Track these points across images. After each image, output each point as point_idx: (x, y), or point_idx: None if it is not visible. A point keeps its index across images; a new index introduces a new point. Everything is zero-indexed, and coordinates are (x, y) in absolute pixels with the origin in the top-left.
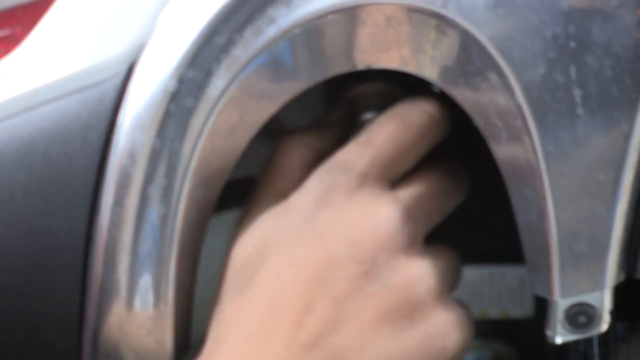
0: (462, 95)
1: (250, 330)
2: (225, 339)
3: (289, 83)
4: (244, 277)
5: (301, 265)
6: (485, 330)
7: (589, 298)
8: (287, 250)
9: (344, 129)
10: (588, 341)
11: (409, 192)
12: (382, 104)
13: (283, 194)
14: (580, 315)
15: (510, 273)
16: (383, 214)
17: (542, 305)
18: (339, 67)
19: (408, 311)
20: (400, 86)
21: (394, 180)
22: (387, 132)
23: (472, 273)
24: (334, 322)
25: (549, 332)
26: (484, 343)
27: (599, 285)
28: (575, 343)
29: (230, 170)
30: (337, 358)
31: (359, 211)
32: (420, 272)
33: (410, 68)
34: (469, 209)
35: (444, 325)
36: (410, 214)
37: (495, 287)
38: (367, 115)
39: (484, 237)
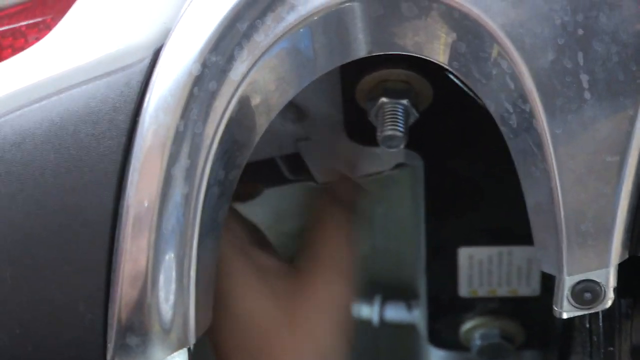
0: (474, 80)
1: None
2: None
3: (308, 68)
4: None
5: None
6: (493, 308)
7: (594, 275)
8: None
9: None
10: (593, 317)
11: None
12: (402, 89)
13: None
14: (586, 292)
15: (518, 253)
16: None
17: (549, 284)
18: (356, 53)
19: None
20: (418, 71)
21: None
22: None
23: (482, 253)
24: None
25: (556, 308)
26: (492, 320)
27: (604, 263)
28: (580, 319)
29: (251, 151)
30: None
31: None
32: None
33: (425, 53)
34: (480, 193)
35: None
36: None
37: (504, 266)
38: (385, 100)
39: (493, 218)
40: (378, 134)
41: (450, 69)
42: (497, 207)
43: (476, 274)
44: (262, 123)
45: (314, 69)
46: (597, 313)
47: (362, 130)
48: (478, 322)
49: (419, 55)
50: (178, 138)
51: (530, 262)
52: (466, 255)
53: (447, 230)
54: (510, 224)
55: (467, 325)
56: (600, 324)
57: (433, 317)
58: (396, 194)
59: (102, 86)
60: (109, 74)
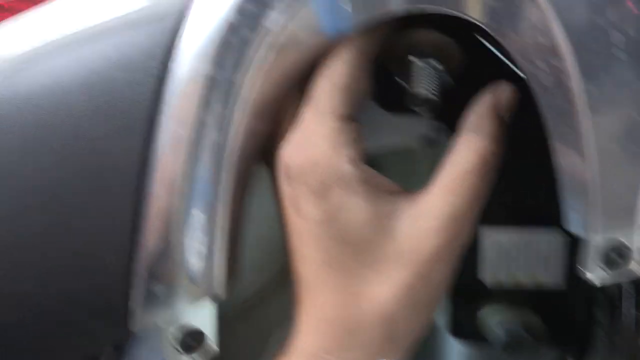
0: (505, 37)
1: None
2: None
3: (345, 22)
4: None
5: None
6: (515, 298)
7: (621, 235)
8: None
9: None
10: (616, 311)
11: None
12: (432, 52)
13: None
14: (613, 252)
15: (542, 239)
16: None
17: (572, 276)
18: (394, 7)
19: None
20: (450, 36)
21: None
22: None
23: (503, 236)
24: None
25: (583, 271)
26: (514, 312)
27: (631, 222)
28: (603, 313)
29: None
30: None
31: None
32: None
33: (461, 10)
34: (504, 169)
35: None
36: None
37: (526, 251)
38: (414, 59)
39: (519, 196)
40: (407, 93)
41: (482, 25)
42: (524, 185)
43: (499, 258)
44: (294, 75)
45: (351, 24)
46: (619, 308)
47: (390, 95)
48: (499, 310)
49: (452, 13)
50: (211, 85)
51: (554, 250)
52: (489, 238)
53: None
54: (536, 203)
55: (487, 314)
56: (623, 317)
57: (452, 303)
58: (418, 171)
59: (137, 34)
60: (144, 23)
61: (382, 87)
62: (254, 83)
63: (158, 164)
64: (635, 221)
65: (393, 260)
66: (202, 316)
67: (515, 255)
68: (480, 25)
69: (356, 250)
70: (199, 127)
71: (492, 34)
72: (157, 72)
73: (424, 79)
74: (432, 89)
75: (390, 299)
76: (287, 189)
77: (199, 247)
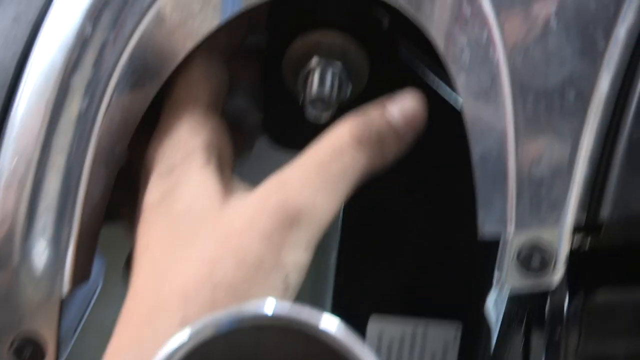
0: (425, 15)
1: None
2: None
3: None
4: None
5: None
6: None
7: (546, 234)
8: None
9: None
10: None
11: None
12: (336, 54)
13: None
14: (535, 255)
15: (434, 333)
16: None
17: None
18: None
19: None
20: (355, 40)
21: None
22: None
23: (393, 325)
24: None
25: (499, 277)
26: None
27: (557, 219)
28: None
29: (160, 85)
30: None
31: None
32: None
33: None
34: (404, 236)
35: None
36: None
37: (420, 342)
38: (316, 59)
39: (413, 280)
40: (304, 98)
41: (398, 5)
42: (420, 265)
43: (388, 350)
44: (178, 51)
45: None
46: (535, 322)
47: (285, 126)
48: None
49: None
50: (83, 43)
51: (447, 347)
52: (376, 330)
53: (358, 290)
54: (432, 292)
55: None
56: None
57: None
58: None
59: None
60: None
61: (279, 119)
62: (132, 49)
63: (12, 131)
64: (564, 218)
65: (207, 234)
66: (45, 321)
67: (406, 347)
68: (395, 3)
69: (181, 226)
70: (65, 90)
71: (409, 14)
72: (21, 34)
73: (325, 81)
74: (332, 93)
75: (191, 276)
76: (142, 185)
77: (47, 236)
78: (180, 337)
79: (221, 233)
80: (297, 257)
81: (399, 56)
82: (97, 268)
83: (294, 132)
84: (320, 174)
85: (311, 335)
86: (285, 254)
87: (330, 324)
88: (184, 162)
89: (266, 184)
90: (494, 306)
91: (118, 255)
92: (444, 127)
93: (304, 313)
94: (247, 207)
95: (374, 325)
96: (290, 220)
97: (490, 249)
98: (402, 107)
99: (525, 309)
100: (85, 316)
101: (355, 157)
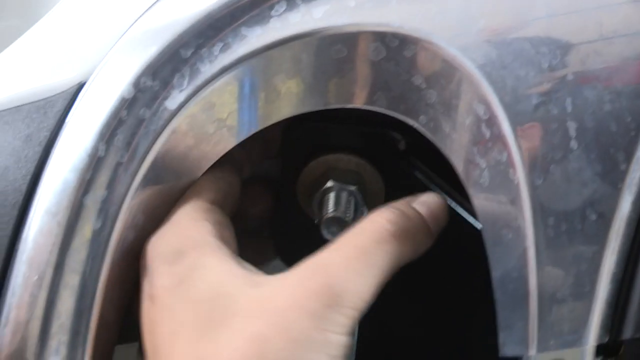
0: (443, 136)
1: None
2: None
3: (252, 113)
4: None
5: None
6: None
7: (568, 355)
8: None
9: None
10: None
11: None
12: (351, 178)
13: None
14: None
15: None
16: None
17: None
18: (310, 106)
19: None
20: (370, 162)
21: None
22: None
23: None
24: None
25: None
26: None
27: (580, 340)
28: None
29: (177, 199)
30: None
31: None
32: None
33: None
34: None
35: None
36: None
37: None
38: (331, 184)
39: None
40: (320, 219)
41: (415, 124)
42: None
43: None
44: (193, 172)
45: (259, 117)
46: None
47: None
48: None
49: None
50: (97, 163)
51: None
52: None
53: None
54: None
55: None
56: None
57: None
58: None
59: (18, 117)
60: (29, 104)
61: (287, 237)
62: (146, 170)
63: (25, 251)
64: (586, 338)
65: (246, 314)
66: None
67: None
68: (413, 125)
69: (209, 306)
70: (77, 213)
71: (427, 134)
72: (34, 155)
73: (341, 203)
74: (348, 215)
75: (238, 353)
76: (143, 274)
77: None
78: None
79: (263, 312)
80: (341, 338)
81: (415, 178)
82: None
83: (305, 254)
84: (361, 259)
85: None
86: (331, 334)
87: None
88: (195, 249)
89: (304, 266)
90: None
91: None
92: (462, 247)
93: None
94: (287, 287)
95: None
96: (334, 301)
97: None
98: (428, 202)
99: None
100: None
101: (395, 247)
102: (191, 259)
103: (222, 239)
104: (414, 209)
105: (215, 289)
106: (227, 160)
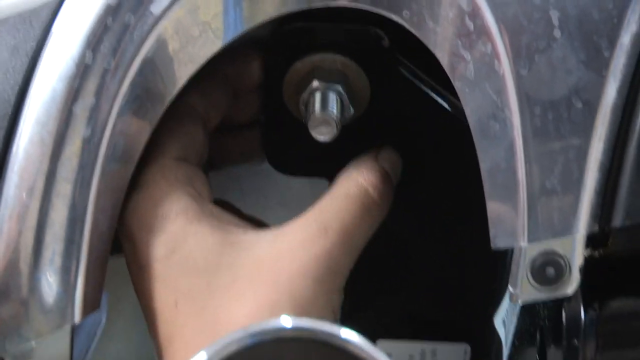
0: (427, 31)
1: None
2: None
3: (237, 15)
4: None
5: None
6: None
7: (558, 246)
8: None
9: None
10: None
11: None
12: (336, 75)
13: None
14: (548, 267)
15: (443, 354)
16: None
17: None
18: (294, 4)
19: None
20: (354, 61)
21: None
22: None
23: (400, 347)
24: None
25: (512, 291)
26: None
27: (570, 229)
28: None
29: (164, 108)
30: None
31: None
32: None
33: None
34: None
35: None
36: None
37: None
38: (317, 83)
39: (420, 304)
40: (308, 121)
41: (400, 21)
42: (426, 289)
43: None
44: (180, 75)
45: (244, 18)
46: (551, 335)
47: (285, 150)
48: None
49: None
50: (84, 71)
51: None
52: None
53: (365, 315)
54: (438, 315)
55: None
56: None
57: None
58: None
59: (3, 29)
60: (14, 16)
61: (275, 139)
62: (134, 75)
63: (16, 162)
64: (576, 226)
65: (251, 279)
66: (56, 351)
67: None
68: (398, 20)
69: (208, 275)
70: (66, 121)
71: (412, 29)
72: (21, 66)
73: (328, 103)
74: (335, 114)
75: (248, 320)
76: (125, 241)
77: (57, 265)
78: (202, 356)
79: (269, 277)
80: (340, 299)
81: (400, 75)
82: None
83: (294, 156)
84: (357, 229)
85: (332, 346)
86: (334, 297)
87: (350, 334)
88: (179, 216)
89: (305, 226)
90: (504, 323)
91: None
92: (450, 143)
93: (325, 325)
94: (289, 251)
95: (382, 349)
96: (336, 268)
97: (498, 269)
98: (390, 158)
99: (539, 322)
100: (93, 346)
101: (379, 212)
102: (177, 226)
103: (199, 194)
104: (382, 167)
105: (208, 257)
106: (187, 114)
